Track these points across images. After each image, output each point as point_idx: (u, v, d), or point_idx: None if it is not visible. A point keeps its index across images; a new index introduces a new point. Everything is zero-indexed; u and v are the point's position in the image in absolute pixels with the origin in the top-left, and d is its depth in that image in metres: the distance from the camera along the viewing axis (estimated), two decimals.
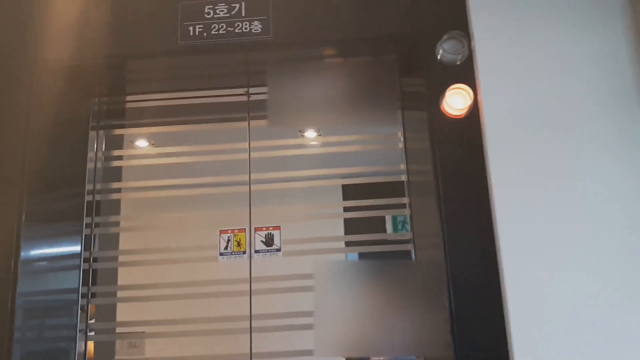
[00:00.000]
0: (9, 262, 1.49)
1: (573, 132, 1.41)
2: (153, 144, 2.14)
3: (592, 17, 1.48)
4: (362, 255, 1.90)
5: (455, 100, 1.44)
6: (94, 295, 1.76)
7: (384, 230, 2.55)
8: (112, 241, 1.89)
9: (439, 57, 1.52)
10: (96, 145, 1.86)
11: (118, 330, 1.78)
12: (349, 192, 1.93)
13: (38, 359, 1.57)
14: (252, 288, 1.71)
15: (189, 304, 1.71)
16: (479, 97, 1.45)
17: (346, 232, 2.19)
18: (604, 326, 1.30)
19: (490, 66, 1.46)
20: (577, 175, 1.39)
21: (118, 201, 1.90)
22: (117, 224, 1.87)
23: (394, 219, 2.84)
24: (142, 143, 2.22)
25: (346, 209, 1.85)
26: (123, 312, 1.80)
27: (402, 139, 1.78)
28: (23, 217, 1.53)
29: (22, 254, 1.51)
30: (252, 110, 1.84)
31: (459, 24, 1.52)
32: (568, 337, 1.30)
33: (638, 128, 1.40)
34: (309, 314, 1.60)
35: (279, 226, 1.77)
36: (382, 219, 2.49)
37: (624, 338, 1.30)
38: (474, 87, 1.45)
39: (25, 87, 1.60)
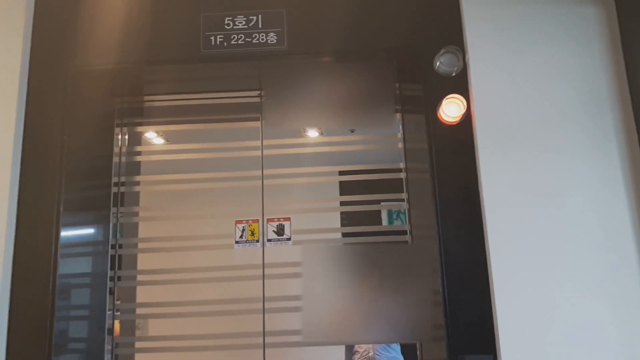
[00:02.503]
0: (50, 246, 1.66)
1: (553, 141, 1.61)
2: (168, 141, 2.30)
3: (573, 39, 1.67)
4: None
5: (451, 109, 1.61)
6: (120, 278, 1.95)
7: (380, 223, 2.75)
8: (135, 229, 2.07)
9: (436, 68, 1.70)
10: (122, 141, 2.04)
11: (145, 311, 1.96)
12: (347, 187, 2.09)
13: (75, 335, 1.75)
14: (265, 273, 1.90)
15: (208, 287, 1.90)
16: (472, 107, 1.63)
17: (343, 225, 2.39)
18: (579, 310, 1.52)
19: (482, 80, 1.65)
20: (555, 178, 1.59)
21: (139, 193, 2.07)
22: (138, 214, 2.04)
23: (389, 212, 3.03)
24: (160, 140, 2.38)
25: (352, 203, 2.02)
26: (149, 294, 1.97)
27: (402, 140, 1.96)
28: (61, 206, 1.70)
29: (61, 239, 1.69)
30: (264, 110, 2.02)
31: (455, 40, 1.70)
32: (546, 317, 1.50)
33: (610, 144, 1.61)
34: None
35: (289, 217, 1.96)
36: (378, 213, 2.71)
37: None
38: (467, 98, 1.63)
39: (63, 89, 1.77)
